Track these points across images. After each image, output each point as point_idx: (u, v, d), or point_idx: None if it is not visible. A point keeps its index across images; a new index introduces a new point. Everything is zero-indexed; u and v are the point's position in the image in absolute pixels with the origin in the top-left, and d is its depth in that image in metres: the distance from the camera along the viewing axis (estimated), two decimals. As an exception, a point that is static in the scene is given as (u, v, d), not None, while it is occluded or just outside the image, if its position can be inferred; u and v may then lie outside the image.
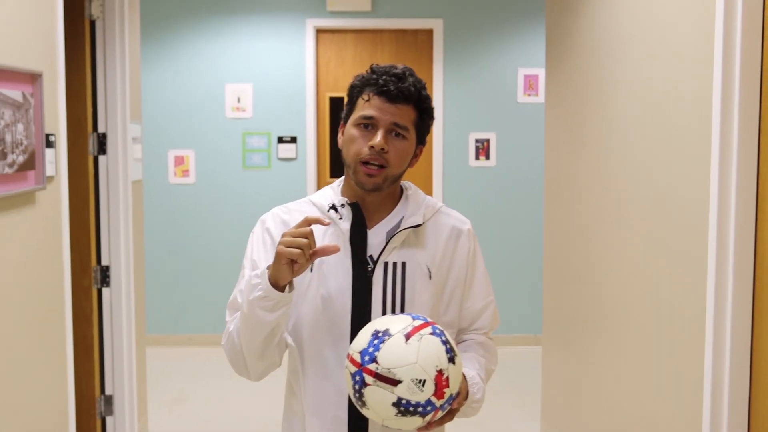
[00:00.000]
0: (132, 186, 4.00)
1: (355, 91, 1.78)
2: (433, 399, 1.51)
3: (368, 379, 1.52)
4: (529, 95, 6.01)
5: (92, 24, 3.85)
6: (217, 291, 6.08)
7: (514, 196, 6.06)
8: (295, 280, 1.70)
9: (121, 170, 3.91)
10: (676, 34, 2.45)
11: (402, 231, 1.77)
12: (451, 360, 1.54)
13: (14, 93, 2.61)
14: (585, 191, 3.48)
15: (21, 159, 2.66)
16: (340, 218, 1.78)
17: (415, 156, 1.82)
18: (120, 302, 3.96)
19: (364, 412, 1.57)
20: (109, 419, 4.02)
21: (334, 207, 1.80)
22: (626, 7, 2.92)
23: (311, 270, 1.77)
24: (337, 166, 6.13)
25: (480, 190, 6.06)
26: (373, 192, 1.76)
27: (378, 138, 1.71)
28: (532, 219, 5.88)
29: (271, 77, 6.01)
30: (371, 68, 1.78)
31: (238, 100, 6.01)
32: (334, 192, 1.85)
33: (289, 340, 1.81)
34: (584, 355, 3.52)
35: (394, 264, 1.77)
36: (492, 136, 6.04)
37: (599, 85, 3.26)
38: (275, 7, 5.98)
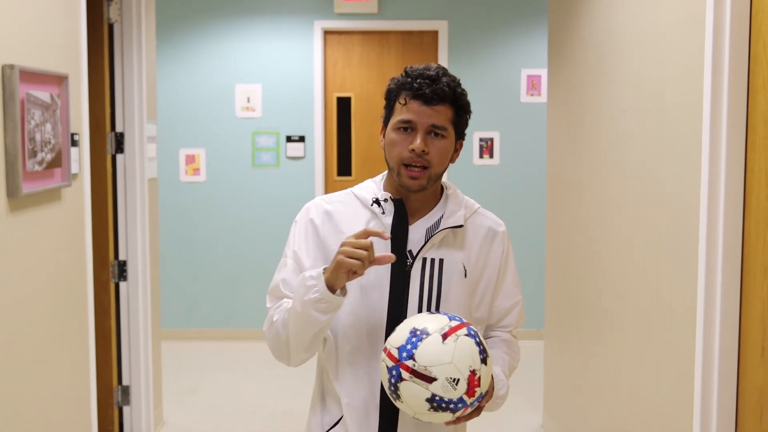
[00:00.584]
0: (148, 183, 4.14)
1: (392, 95, 1.82)
2: (465, 397, 1.58)
3: (405, 374, 1.58)
4: (532, 95, 6.13)
5: (110, 27, 3.99)
6: (227, 287, 6.22)
7: (517, 194, 6.18)
8: None
9: (138, 168, 4.05)
10: (669, 38, 2.58)
11: (442, 230, 1.81)
12: (483, 361, 1.61)
13: (43, 94, 2.75)
14: (585, 189, 3.60)
15: (49, 157, 2.80)
16: (383, 212, 1.82)
17: (456, 151, 1.84)
18: (137, 296, 4.10)
19: (397, 404, 1.64)
20: (126, 408, 4.16)
21: (377, 201, 1.84)
22: (623, 12, 3.04)
23: None
24: (343, 164, 6.26)
25: (484, 188, 6.17)
26: (417, 192, 1.79)
27: (417, 141, 1.74)
28: (535, 217, 6.00)
29: (280, 78, 6.14)
30: (405, 71, 1.81)
31: (248, 100, 6.14)
32: (376, 186, 1.89)
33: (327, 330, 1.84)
34: (585, 349, 3.64)
35: (432, 260, 1.81)
36: (496, 135, 6.17)
37: (598, 85, 3.38)
38: (284, 9, 6.11)
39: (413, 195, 1.81)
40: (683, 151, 2.45)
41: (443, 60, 6.10)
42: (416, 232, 1.82)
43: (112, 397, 4.09)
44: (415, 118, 1.74)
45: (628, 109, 3.01)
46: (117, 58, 4.01)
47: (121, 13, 3.97)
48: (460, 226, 1.82)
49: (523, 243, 6.19)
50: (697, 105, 2.31)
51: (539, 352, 5.23)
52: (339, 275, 1.64)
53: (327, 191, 6.11)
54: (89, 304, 3.25)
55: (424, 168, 1.75)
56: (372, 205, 1.83)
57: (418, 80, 1.76)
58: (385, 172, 1.89)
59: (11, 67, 2.51)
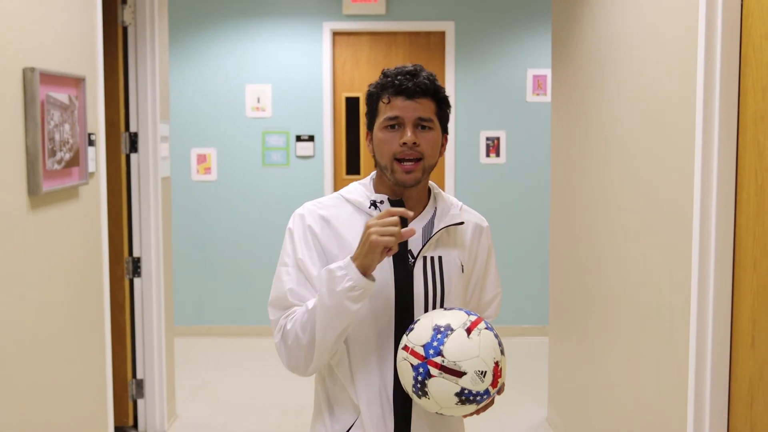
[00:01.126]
0: (161, 182, 4.25)
1: (374, 97, 1.83)
2: (490, 388, 1.64)
3: (433, 371, 1.61)
4: (538, 95, 6.21)
5: (125, 30, 4.09)
6: (238, 284, 6.32)
7: (523, 192, 6.26)
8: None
9: (151, 167, 4.15)
10: (664, 40, 2.66)
11: (443, 228, 1.84)
12: (503, 352, 1.68)
13: (62, 96, 2.85)
14: (586, 188, 3.68)
15: (67, 156, 2.91)
16: None
17: (442, 145, 1.86)
18: (150, 292, 4.20)
19: (421, 401, 1.66)
20: (140, 401, 4.26)
21: (374, 204, 1.84)
22: (622, 14, 3.13)
23: None
24: (352, 163, 6.36)
25: (490, 187, 6.26)
26: (412, 186, 1.80)
27: (408, 134, 1.76)
28: (541, 214, 6.07)
29: (289, 78, 6.23)
30: (383, 73, 1.83)
31: (258, 100, 6.24)
32: (366, 189, 1.88)
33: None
34: (587, 344, 3.72)
35: (432, 258, 1.83)
36: (502, 134, 6.25)
37: (600, 84, 3.46)
38: (293, 11, 6.21)
39: (407, 194, 1.83)
40: (678, 151, 2.53)
41: (450, 59, 6.18)
42: None
43: (127, 390, 4.20)
44: (401, 114, 1.77)
45: (626, 108, 3.09)
46: (131, 60, 4.11)
47: (134, 16, 4.08)
48: (461, 223, 1.86)
49: (528, 241, 6.27)
50: (691, 105, 2.40)
51: (544, 348, 5.32)
52: (374, 256, 1.65)
53: (336, 189, 6.19)
54: (105, 299, 3.35)
55: (418, 160, 1.77)
56: (370, 207, 1.84)
57: (399, 77, 1.78)
58: (372, 174, 1.91)
59: (32, 70, 2.61)
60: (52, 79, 2.78)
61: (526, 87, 6.22)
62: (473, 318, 1.68)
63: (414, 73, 1.79)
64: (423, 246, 1.82)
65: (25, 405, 2.61)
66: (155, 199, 4.18)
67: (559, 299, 4.30)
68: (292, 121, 6.26)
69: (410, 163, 1.77)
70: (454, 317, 1.67)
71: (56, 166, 2.81)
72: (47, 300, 2.78)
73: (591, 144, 3.61)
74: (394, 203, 1.82)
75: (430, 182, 1.91)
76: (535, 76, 6.20)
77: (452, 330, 1.64)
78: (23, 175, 2.60)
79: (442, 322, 1.66)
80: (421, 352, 1.63)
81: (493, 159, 6.26)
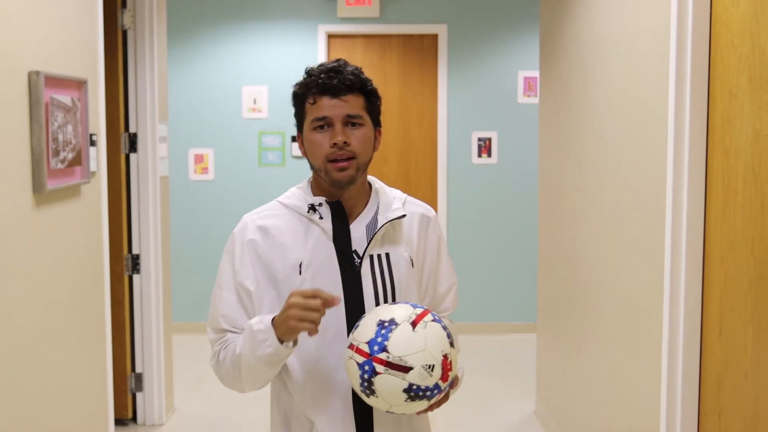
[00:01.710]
0: (160, 181, 4.37)
1: (299, 98, 1.78)
2: (440, 382, 1.58)
3: (379, 368, 1.55)
4: (529, 96, 6.33)
5: (124, 33, 4.21)
6: (234, 281, 6.43)
7: (514, 192, 6.38)
8: (286, 284, 1.75)
9: (150, 167, 4.27)
10: (640, 45, 2.78)
11: (386, 224, 1.78)
12: (452, 344, 1.62)
13: (65, 98, 2.97)
14: (571, 188, 3.81)
15: (70, 156, 3.03)
16: (321, 218, 1.78)
17: (376, 139, 1.82)
18: (149, 288, 4.32)
19: (370, 400, 1.61)
20: (139, 395, 4.38)
21: (312, 207, 1.78)
22: (604, 20, 3.25)
23: (300, 273, 1.76)
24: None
25: (482, 186, 6.38)
26: (348, 186, 1.75)
27: (338, 135, 1.71)
28: (531, 214, 6.19)
29: (285, 80, 6.35)
30: (306, 71, 1.78)
31: (255, 102, 6.36)
32: (304, 192, 1.83)
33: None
34: (573, 340, 3.84)
35: (379, 256, 1.79)
36: (493, 135, 6.37)
37: (583, 87, 3.58)
38: (289, 14, 6.33)
39: (345, 194, 1.78)
40: (651, 152, 2.66)
41: (443, 61, 6.30)
42: (356, 231, 1.79)
43: (126, 384, 4.32)
44: (329, 113, 1.72)
45: (605, 111, 3.21)
46: (130, 62, 4.23)
47: (134, 19, 4.19)
48: (403, 216, 1.81)
49: (518, 240, 6.39)
50: (664, 109, 2.52)
51: (532, 344, 5.44)
52: (293, 335, 1.62)
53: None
54: (106, 295, 3.47)
55: (351, 158, 1.73)
56: (308, 212, 1.78)
57: (322, 75, 1.73)
58: (309, 177, 1.86)
59: (37, 73, 2.73)
60: (55, 81, 2.89)
61: (517, 89, 6.34)
62: (419, 311, 1.63)
63: (338, 70, 1.74)
64: (368, 244, 1.78)
65: (28, 398, 2.72)
66: (154, 197, 4.30)
67: (546, 297, 4.42)
68: (288, 122, 6.37)
69: (343, 161, 1.72)
70: (399, 311, 1.62)
71: (59, 166, 2.93)
72: (50, 295, 2.90)
73: (574, 145, 3.74)
74: (332, 205, 1.78)
75: (370, 177, 1.88)
76: (525, 78, 6.33)
77: (396, 324, 1.58)
78: (28, 174, 2.72)
79: (387, 317, 1.60)
80: (366, 349, 1.58)
81: (484, 159, 6.38)
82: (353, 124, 1.74)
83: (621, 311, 3.04)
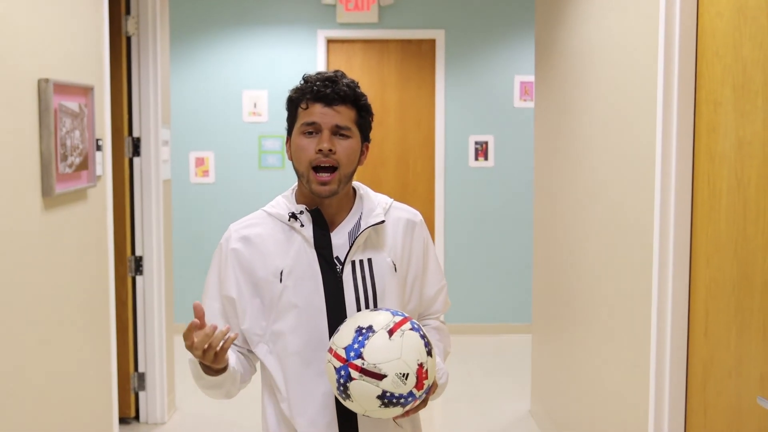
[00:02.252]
0: (162, 185, 4.45)
1: (293, 103, 1.81)
2: (414, 390, 1.60)
3: (354, 373, 1.58)
4: (525, 100, 6.42)
5: (128, 40, 4.30)
6: (234, 283, 6.51)
7: (511, 195, 6.47)
8: (267, 292, 1.80)
9: (153, 170, 4.36)
10: (631, 54, 2.87)
11: (366, 230, 1.80)
12: (429, 353, 1.63)
13: (73, 104, 3.06)
14: (565, 191, 3.89)
15: (77, 161, 3.11)
16: (302, 225, 1.80)
17: (363, 153, 1.84)
18: (152, 289, 4.41)
19: (346, 403, 1.64)
20: (141, 394, 4.47)
21: (293, 215, 1.81)
22: (595, 27, 3.34)
23: (281, 281, 1.80)
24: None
25: (479, 189, 6.47)
26: (329, 197, 1.78)
27: (324, 142, 1.74)
28: (527, 217, 6.28)
29: (285, 84, 6.43)
30: (303, 78, 1.81)
31: (255, 106, 6.45)
32: (288, 201, 1.85)
33: (264, 350, 1.84)
34: (567, 341, 3.92)
35: (361, 261, 1.81)
36: (490, 139, 6.46)
37: (577, 92, 3.67)
38: (289, 19, 6.42)
39: (327, 202, 1.81)
40: (640, 159, 2.75)
41: (440, 66, 6.39)
42: (339, 238, 1.82)
43: (129, 383, 4.40)
44: (318, 120, 1.75)
45: (597, 116, 3.31)
46: (134, 68, 4.32)
47: (138, 26, 4.28)
48: (382, 221, 1.82)
49: (515, 242, 6.47)
50: (652, 116, 2.61)
51: (527, 344, 5.54)
52: (206, 363, 1.71)
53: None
54: (111, 295, 3.55)
55: (334, 170, 1.75)
56: (289, 219, 1.81)
57: (318, 83, 1.77)
58: (295, 185, 1.89)
59: (46, 80, 2.81)
60: (64, 88, 2.98)
61: (514, 93, 6.43)
62: (398, 318, 1.65)
63: (334, 80, 1.77)
64: (349, 250, 1.80)
65: (35, 396, 2.81)
66: (157, 200, 4.39)
67: (541, 298, 4.50)
68: (288, 126, 6.45)
69: (326, 174, 1.75)
70: (378, 318, 1.64)
71: (67, 170, 3.01)
72: (58, 296, 2.98)
73: (569, 148, 3.82)
74: (312, 213, 1.80)
75: (356, 183, 1.91)
76: (522, 83, 6.42)
77: (374, 332, 1.61)
78: (38, 178, 2.81)
79: (365, 323, 1.63)
80: (343, 354, 1.61)
81: (481, 162, 6.47)
82: (341, 135, 1.77)
83: (612, 312, 3.13)
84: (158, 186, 4.39)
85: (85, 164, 3.20)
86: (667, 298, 2.53)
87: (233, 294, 1.84)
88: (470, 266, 6.43)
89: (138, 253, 4.39)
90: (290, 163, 6.53)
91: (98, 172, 3.38)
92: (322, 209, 1.81)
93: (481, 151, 6.44)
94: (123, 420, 4.39)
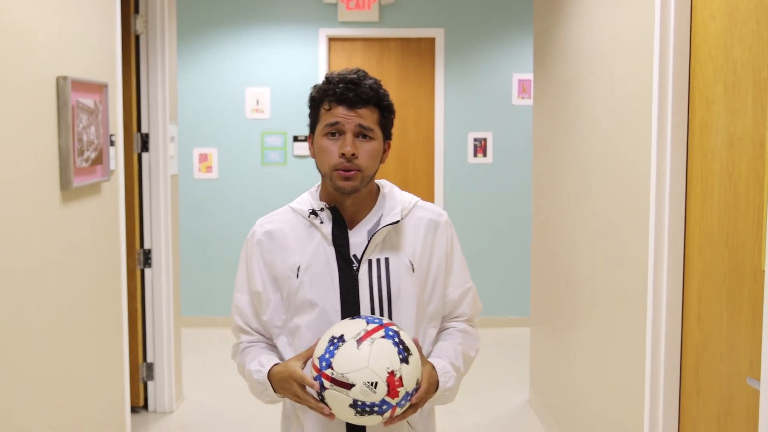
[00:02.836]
0: (170, 179, 4.56)
1: (316, 102, 1.82)
2: (388, 398, 1.59)
3: (326, 383, 1.61)
4: (523, 98, 6.54)
5: (137, 38, 4.40)
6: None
7: (509, 190, 6.59)
8: (286, 286, 1.84)
9: (161, 166, 4.46)
10: (626, 53, 2.99)
11: (382, 228, 1.80)
12: (404, 360, 1.62)
13: (88, 101, 3.17)
14: (563, 186, 4.01)
15: (93, 155, 3.22)
16: (321, 222, 1.82)
17: (385, 152, 1.85)
18: (160, 282, 4.51)
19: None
20: (150, 383, 4.57)
21: (314, 212, 1.83)
22: (593, 27, 3.45)
23: (297, 276, 1.82)
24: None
25: (478, 185, 6.59)
26: (351, 194, 1.79)
27: (347, 146, 1.74)
28: (525, 212, 6.40)
29: (287, 81, 6.55)
30: (326, 78, 1.81)
31: (257, 103, 6.55)
32: (312, 197, 1.88)
33: (283, 342, 1.87)
34: (564, 333, 4.03)
35: (378, 261, 1.81)
36: (489, 136, 6.58)
37: (575, 89, 3.78)
38: (291, 18, 6.52)
39: (349, 199, 1.82)
40: (636, 155, 2.86)
41: (440, 64, 6.50)
42: (358, 236, 1.82)
43: (138, 373, 4.51)
44: (341, 121, 1.76)
45: (593, 114, 3.42)
46: (142, 65, 4.42)
47: (146, 25, 4.38)
48: (397, 221, 1.82)
49: (513, 237, 6.59)
50: (648, 113, 2.73)
51: (526, 337, 5.66)
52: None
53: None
54: (123, 287, 3.65)
55: (356, 171, 1.76)
56: (309, 216, 1.83)
57: (341, 85, 1.76)
58: (320, 183, 1.91)
59: (64, 78, 2.92)
60: (80, 86, 3.09)
61: (512, 90, 6.54)
62: (371, 327, 1.64)
63: (356, 82, 1.77)
64: (365, 249, 1.81)
65: (49, 385, 2.91)
66: (165, 195, 4.49)
67: (539, 292, 4.61)
68: (290, 122, 6.57)
69: (349, 172, 1.76)
70: (350, 327, 1.66)
71: (84, 164, 3.12)
72: (74, 287, 3.08)
73: (566, 145, 3.94)
74: (332, 210, 1.83)
75: (381, 181, 1.91)
76: (520, 81, 6.53)
77: (343, 341, 1.62)
78: (56, 172, 2.91)
79: (338, 333, 1.65)
80: (317, 364, 1.64)
81: (480, 159, 6.58)
82: (364, 136, 1.77)
83: (609, 304, 3.24)
84: (166, 181, 4.49)
85: (99, 159, 3.30)
86: (662, 288, 2.65)
87: (259, 288, 1.88)
88: (469, 261, 6.46)
89: (147, 246, 4.49)
90: (292, 159, 6.66)
91: (111, 166, 3.48)
92: (344, 207, 1.83)
93: (480, 147, 6.55)
94: (132, 409, 4.49)
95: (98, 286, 3.36)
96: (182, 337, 5.24)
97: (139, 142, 4.43)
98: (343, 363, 1.60)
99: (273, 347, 1.93)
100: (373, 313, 1.80)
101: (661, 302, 2.65)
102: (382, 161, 1.84)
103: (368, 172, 1.78)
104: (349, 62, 6.59)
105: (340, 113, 1.76)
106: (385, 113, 1.82)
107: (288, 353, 1.86)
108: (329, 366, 1.61)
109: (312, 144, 1.84)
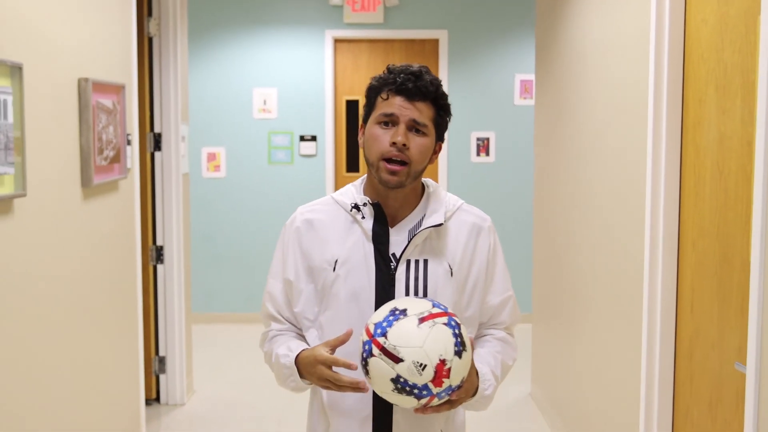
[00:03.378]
0: (182, 178, 4.69)
1: (374, 91, 1.79)
2: (431, 385, 1.55)
3: (375, 350, 1.57)
4: (525, 98, 6.66)
5: (150, 40, 4.53)
6: (244, 275, 6.75)
7: (511, 189, 6.71)
8: (321, 279, 1.81)
9: (173, 164, 4.59)
10: (624, 55, 3.11)
11: (423, 230, 1.77)
12: (458, 354, 1.57)
13: (107, 102, 3.30)
14: (564, 185, 4.13)
15: (111, 154, 3.35)
16: (363, 217, 1.80)
17: (435, 152, 1.81)
18: (172, 277, 4.64)
19: (366, 380, 1.64)
20: (162, 376, 4.70)
21: (356, 206, 1.81)
22: (592, 30, 3.57)
23: (334, 269, 1.80)
24: (352, 161, 6.81)
25: (480, 184, 6.71)
26: (395, 189, 1.76)
27: (399, 135, 1.71)
28: (527, 210, 6.51)
29: (293, 82, 6.68)
30: (388, 68, 1.78)
31: (264, 103, 6.68)
32: (356, 190, 1.85)
33: (313, 335, 1.85)
34: (565, 328, 4.14)
35: (416, 261, 1.78)
36: (491, 135, 6.70)
37: (575, 90, 3.90)
38: (298, 20, 6.66)
39: (392, 196, 1.79)
40: (633, 152, 2.98)
41: (443, 65, 6.63)
42: (399, 235, 1.80)
43: (151, 366, 4.64)
44: (397, 112, 1.73)
45: (593, 113, 3.54)
46: (155, 67, 4.55)
47: (159, 28, 4.51)
48: (440, 224, 1.79)
49: (515, 235, 6.71)
50: (644, 112, 2.85)
51: (528, 332, 5.77)
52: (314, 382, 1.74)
53: (336, 186, 6.65)
54: (138, 283, 3.77)
55: (404, 164, 1.73)
56: (351, 210, 1.81)
57: (401, 75, 1.74)
58: (365, 176, 1.87)
59: (86, 80, 3.05)
60: (100, 87, 3.21)
61: (514, 91, 6.67)
62: (436, 310, 1.61)
63: (418, 75, 1.74)
64: (405, 248, 1.78)
65: (67, 377, 3.03)
66: (177, 193, 4.62)
67: (541, 289, 4.74)
68: (296, 122, 6.70)
69: (396, 164, 1.73)
70: (415, 304, 1.62)
71: (103, 162, 3.25)
72: (92, 282, 3.20)
73: (566, 144, 4.06)
74: (374, 206, 1.80)
75: (427, 181, 1.88)
76: (522, 81, 6.65)
77: (406, 315, 1.59)
78: (78, 169, 3.04)
79: (402, 306, 1.62)
80: (372, 329, 1.61)
81: (483, 158, 6.71)
82: (417, 131, 1.74)
83: (607, 299, 3.36)
84: (178, 179, 4.62)
85: (117, 157, 3.43)
86: (657, 280, 2.77)
87: (291, 277, 1.85)
88: (472, 258, 6.64)
89: (159, 242, 4.62)
90: (298, 158, 6.80)
91: (128, 164, 3.61)
92: (386, 202, 1.80)
93: (483, 147, 6.68)
94: (145, 401, 4.61)
95: (116, 280, 3.48)
96: (194, 332, 5.35)
97: (152, 142, 4.56)
98: (399, 336, 1.56)
99: (302, 338, 1.90)
100: None
101: (657, 294, 2.77)
102: (430, 161, 1.81)
103: (416, 167, 1.75)
104: (354, 63, 6.71)
105: (397, 103, 1.73)
106: (441, 112, 1.79)
107: None
108: (384, 334, 1.57)
109: (362, 134, 1.82)
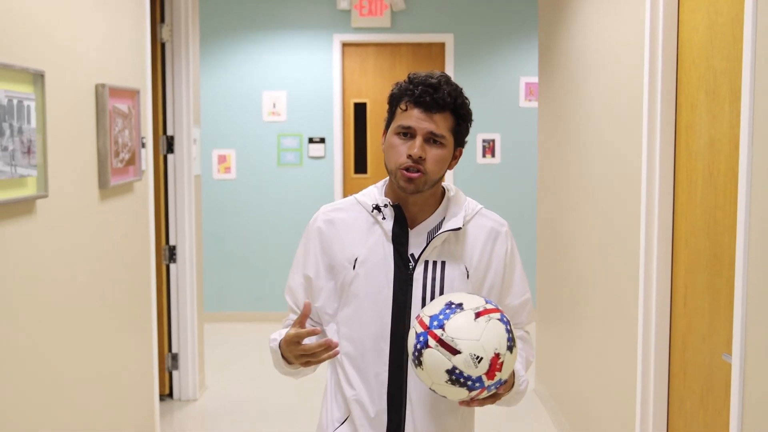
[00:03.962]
0: (194, 179, 4.81)
1: (395, 100, 1.83)
2: (484, 378, 1.60)
3: (431, 342, 1.60)
4: (530, 101, 6.77)
5: (162, 46, 4.66)
6: (254, 275, 6.88)
7: (516, 189, 6.82)
8: (341, 276, 1.86)
9: (186, 166, 4.72)
10: (620, 61, 3.21)
11: (442, 233, 1.82)
12: (510, 349, 1.63)
13: (123, 106, 3.42)
14: (566, 185, 4.23)
15: (126, 156, 3.47)
16: (383, 218, 1.84)
17: (455, 158, 1.86)
18: (185, 276, 4.76)
19: (417, 372, 1.66)
20: (175, 373, 4.83)
21: (377, 207, 1.85)
22: (592, 36, 3.68)
23: (354, 268, 1.85)
24: (360, 163, 6.92)
25: (486, 184, 6.82)
26: (413, 194, 1.81)
27: (415, 148, 1.75)
28: (531, 210, 6.59)
29: (302, 85, 6.80)
30: (409, 77, 1.81)
31: (274, 106, 6.81)
32: (378, 191, 1.90)
33: (332, 329, 1.89)
34: (568, 326, 4.24)
35: (434, 263, 1.82)
36: (497, 137, 6.81)
37: (576, 93, 4.01)
38: (306, 24, 6.78)
39: (412, 199, 1.83)
40: (629, 155, 3.09)
41: (449, 68, 6.74)
42: (418, 236, 1.85)
43: (164, 362, 4.76)
44: (414, 125, 1.77)
45: (592, 117, 3.65)
46: (168, 72, 4.67)
47: (171, 33, 4.64)
48: (459, 228, 1.83)
49: (520, 235, 6.78)
50: (640, 116, 2.96)
51: (532, 329, 5.87)
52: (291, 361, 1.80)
53: (345, 188, 6.77)
54: (152, 282, 3.89)
55: (421, 173, 1.77)
56: (372, 211, 1.86)
57: (420, 87, 1.77)
58: (387, 178, 1.92)
59: (103, 85, 3.17)
60: (116, 92, 3.34)
61: (519, 93, 6.78)
62: (489, 306, 1.66)
63: (437, 87, 1.77)
64: (423, 250, 1.83)
65: (83, 373, 3.16)
66: (189, 194, 4.74)
67: (544, 287, 4.84)
68: (305, 125, 6.82)
69: (413, 172, 1.78)
70: (470, 300, 1.67)
71: (119, 165, 3.37)
72: (110, 280, 3.32)
73: (569, 146, 4.17)
74: (395, 208, 1.85)
75: (448, 184, 1.94)
76: (527, 84, 6.76)
77: (462, 309, 1.63)
78: (95, 171, 3.16)
79: (457, 300, 1.66)
80: (427, 321, 1.64)
81: (488, 159, 6.82)
82: (434, 142, 1.78)
83: (606, 296, 3.47)
84: (190, 181, 4.74)
85: (132, 160, 3.56)
86: (652, 277, 2.88)
87: (311, 274, 1.91)
88: (478, 258, 6.74)
89: (172, 242, 4.74)
90: (307, 160, 6.93)
91: (143, 167, 3.74)
92: (407, 205, 1.85)
93: (489, 148, 6.79)
94: (159, 397, 4.73)
95: (130, 279, 3.60)
96: (206, 330, 5.48)
97: (164, 144, 4.68)
98: (457, 329, 1.60)
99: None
100: None
101: (652, 290, 2.88)
102: (450, 167, 1.86)
103: (432, 176, 1.79)
104: (362, 67, 6.83)
105: (415, 115, 1.77)
106: (460, 121, 1.83)
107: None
108: (441, 327, 1.61)
109: (384, 140, 1.86)
